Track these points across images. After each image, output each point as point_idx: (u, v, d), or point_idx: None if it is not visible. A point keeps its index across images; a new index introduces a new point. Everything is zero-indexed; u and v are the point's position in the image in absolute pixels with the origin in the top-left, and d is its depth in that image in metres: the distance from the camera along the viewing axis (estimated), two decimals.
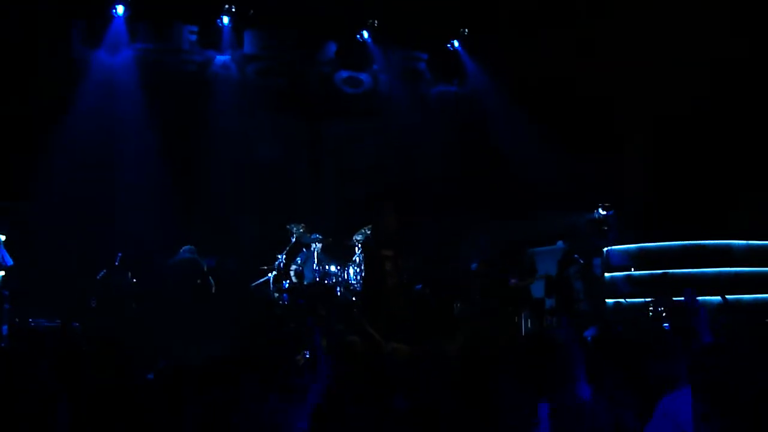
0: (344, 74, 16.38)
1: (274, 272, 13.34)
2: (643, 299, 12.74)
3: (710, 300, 12.44)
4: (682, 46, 14.12)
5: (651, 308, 12.23)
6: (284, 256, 13.39)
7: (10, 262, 10.97)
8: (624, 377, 5.03)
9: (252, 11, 15.19)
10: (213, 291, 12.47)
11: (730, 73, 14.32)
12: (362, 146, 16.52)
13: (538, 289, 13.30)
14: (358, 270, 13.06)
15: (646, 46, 14.56)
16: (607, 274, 14.03)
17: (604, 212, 14.80)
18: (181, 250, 12.47)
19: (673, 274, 13.12)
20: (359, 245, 13.23)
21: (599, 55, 14.91)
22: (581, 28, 15.10)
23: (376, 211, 10.42)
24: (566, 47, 15.14)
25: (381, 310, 9.83)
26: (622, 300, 13.49)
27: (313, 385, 5.12)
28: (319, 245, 13.47)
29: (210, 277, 12.59)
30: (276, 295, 12.95)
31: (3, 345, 9.62)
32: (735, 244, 14.09)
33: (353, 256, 13.39)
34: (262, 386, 5.00)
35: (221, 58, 15.38)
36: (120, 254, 12.06)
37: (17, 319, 10.26)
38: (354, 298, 12.50)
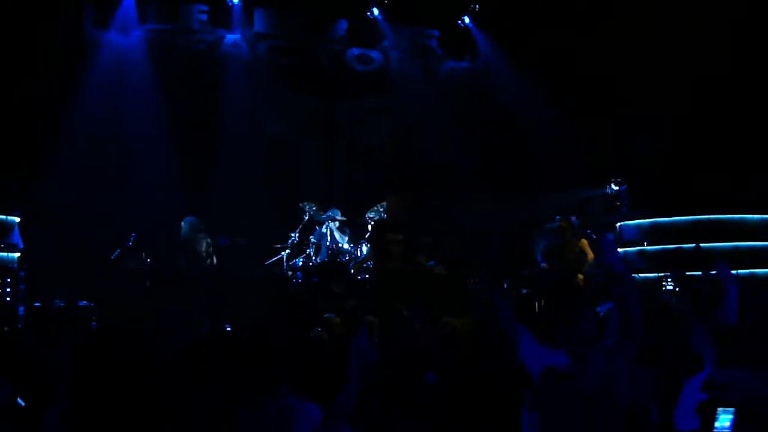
0: (355, 52, 16.31)
1: (288, 251, 13.38)
2: (656, 274, 12.71)
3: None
4: (700, 14, 13.98)
5: (665, 283, 12.21)
6: (297, 235, 13.42)
7: (21, 245, 11.04)
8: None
9: None
10: (213, 267, 12.39)
11: (748, 42, 14.16)
12: (373, 123, 16.53)
13: None
14: (370, 247, 13.07)
15: (661, 11, 14.41)
16: (619, 249, 13.96)
17: (617, 187, 14.77)
18: (183, 222, 12.39)
19: (686, 248, 13.05)
20: (371, 223, 13.24)
21: (613, 26, 14.79)
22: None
23: (387, 195, 10.43)
24: (578, 19, 15.04)
25: (387, 294, 9.85)
26: (635, 275, 13.44)
27: None
28: (333, 223, 13.50)
29: (213, 256, 12.55)
30: (289, 273, 12.99)
31: (19, 326, 9.67)
32: (749, 218, 13.98)
33: (366, 234, 13.41)
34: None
35: (231, 37, 15.36)
36: (134, 234, 12.09)
37: (33, 300, 10.29)
38: (367, 276, 12.52)
